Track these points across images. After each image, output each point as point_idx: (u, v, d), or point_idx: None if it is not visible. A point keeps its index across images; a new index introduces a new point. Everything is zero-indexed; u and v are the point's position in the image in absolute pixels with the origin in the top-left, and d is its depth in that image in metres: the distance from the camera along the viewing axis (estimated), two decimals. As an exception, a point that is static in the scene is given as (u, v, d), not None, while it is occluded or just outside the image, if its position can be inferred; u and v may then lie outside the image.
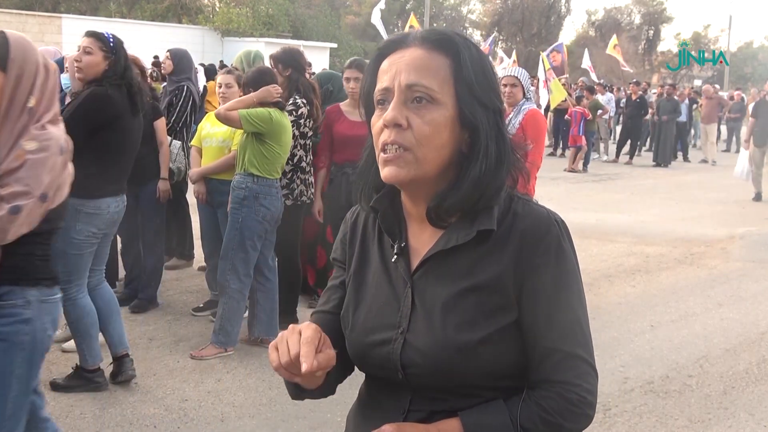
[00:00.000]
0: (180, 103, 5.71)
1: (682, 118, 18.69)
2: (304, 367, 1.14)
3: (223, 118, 4.42)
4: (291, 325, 1.22)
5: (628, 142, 17.88)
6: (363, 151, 1.39)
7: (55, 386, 3.96)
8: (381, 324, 1.32)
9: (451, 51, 1.27)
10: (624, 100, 20.24)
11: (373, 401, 1.39)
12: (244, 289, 4.55)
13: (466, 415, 1.24)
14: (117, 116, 3.79)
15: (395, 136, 1.24)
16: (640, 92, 17.95)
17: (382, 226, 1.36)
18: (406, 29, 20.06)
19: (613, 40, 25.34)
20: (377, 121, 1.28)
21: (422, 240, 1.33)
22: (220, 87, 5.00)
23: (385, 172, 1.26)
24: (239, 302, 4.55)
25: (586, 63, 22.48)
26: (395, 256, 1.34)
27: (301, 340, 1.18)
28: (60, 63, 5.95)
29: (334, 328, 1.40)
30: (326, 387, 1.37)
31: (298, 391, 1.36)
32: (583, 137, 15.44)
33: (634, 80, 19.97)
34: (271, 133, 4.41)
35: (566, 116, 15.90)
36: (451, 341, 1.24)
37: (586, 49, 24.97)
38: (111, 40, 3.87)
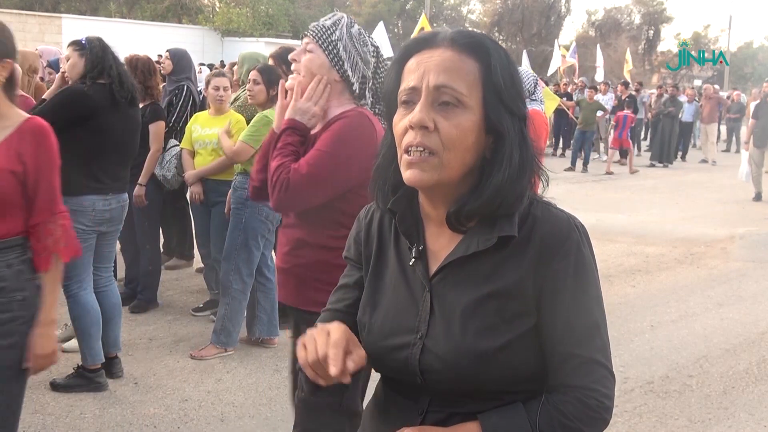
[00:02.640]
0: (180, 103, 5.71)
1: (687, 117, 18.68)
2: (332, 371, 1.14)
3: (238, 158, 4.50)
4: (320, 324, 1.22)
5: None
6: (380, 149, 1.37)
7: (55, 386, 3.97)
8: (399, 328, 1.32)
9: (482, 55, 1.25)
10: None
11: (390, 401, 1.39)
12: (247, 290, 4.55)
13: (486, 417, 1.25)
14: (90, 115, 3.74)
15: (421, 138, 1.22)
16: (630, 92, 17.94)
17: (400, 229, 1.34)
18: (416, 31, 20.20)
19: (627, 53, 25.69)
20: (400, 121, 1.26)
21: (441, 243, 1.32)
22: (217, 90, 4.99)
23: (408, 175, 1.25)
24: (241, 303, 4.56)
25: (599, 62, 22.57)
26: (413, 260, 1.32)
27: (330, 341, 1.17)
28: (56, 63, 5.96)
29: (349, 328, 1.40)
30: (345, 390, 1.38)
31: (315, 387, 1.34)
32: (630, 140, 15.99)
33: (623, 80, 19.93)
34: None
35: (613, 120, 16.06)
36: (471, 348, 1.24)
37: (598, 46, 25.05)
38: (84, 40, 3.94)
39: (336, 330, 1.19)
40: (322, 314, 1.47)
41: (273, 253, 4.81)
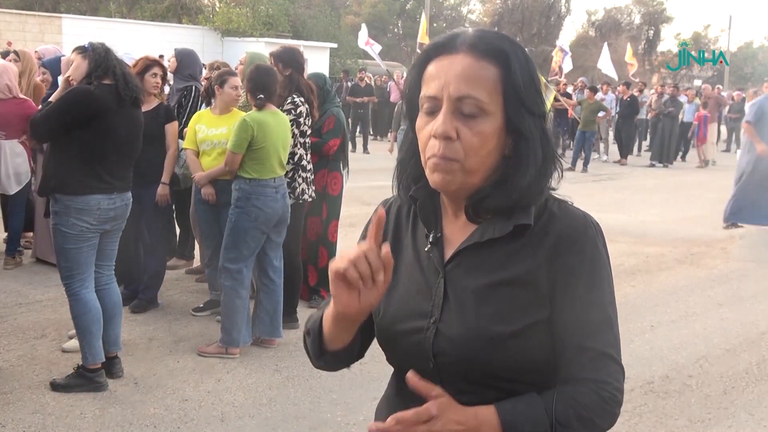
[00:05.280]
0: (189, 104, 5.73)
1: (688, 118, 18.69)
2: (384, 249, 1.19)
3: (231, 167, 4.51)
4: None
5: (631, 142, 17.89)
6: (402, 145, 1.41)
7: (55, 386, 3.96)
8: (412, 312, 1.34)
9: (501, 59, 1.27)
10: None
11: (401, 393, 1.40)
12: (239, 287, 4.52)
13: (502, 403, 1.25)
14: (96, 115, 3.78)
15: (444, 149, 1.25)
16: (632, 92, 17.94)
17: (420, 216, 1.38)
18: (422, 30, 20.20)
19: (629, 50, 25.55)
20: (424, 127, 1.29)
21: (456, 231, 1.35)
22: (236, 89, 4.99)
23: (433, 179, 1.28)
24: (234, 300, 4.53)
25: (605, 57, 22.50)
26: (429, 245, 1.35)
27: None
28: (49, 63, 5.96)
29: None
30: (349, 352, 1.39)
31: (321, 350, 1.38)
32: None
33: (624, 81, 19.94)
34: (257, 136, 4.41)
35: (694, 120, 16.30)
36: (484, 332, 1.26)
37: (606, 44, 24.93)
38: (87, 45, 4.02)
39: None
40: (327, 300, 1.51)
41: (280, 254, 4.81)
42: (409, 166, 1.38)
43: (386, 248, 1.20)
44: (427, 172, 1.29)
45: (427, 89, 1.28)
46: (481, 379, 1.29)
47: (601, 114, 16.04)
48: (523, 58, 1.29)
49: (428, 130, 1.27)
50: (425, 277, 1.35)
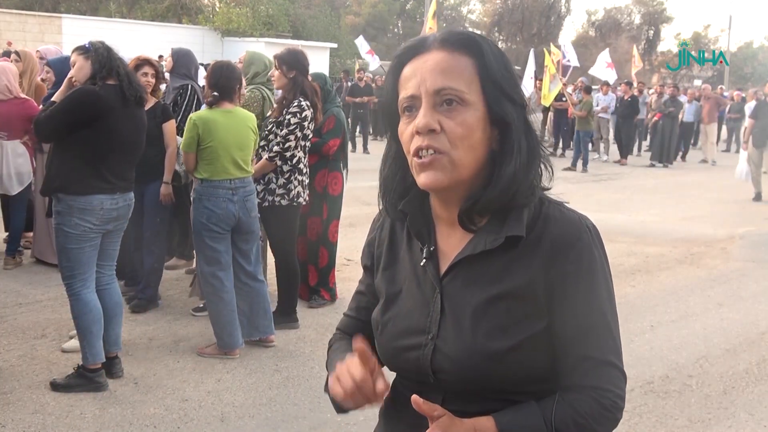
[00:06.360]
0: (185, 102, 5.73)
1: (689, 118, 18.69)
2: (380, 386, 1.24)
3: (187, 166, 4.54)
4: (347, 357, 1.29)
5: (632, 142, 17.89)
6: (384, 161, 1.38)
7: (55, 386, 3.96)
8: (410, 328, 1.33)
9: (474, 50, 1.26)
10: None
11: (404, 398, 1.39)
12: (218, 292, 4.48)
13: (501, 414, 1.25)
14: (101, 115, 3.79)
15: (429, 140, 1.23)
16: (633, 92, 17.97)
17: (412, 230, 1.35)
18: (426, 31, 20.29)
19: (634, 50, 25.65)
20: (405, 129, 1.27)
21: (451, 243, 1.33)
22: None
23: (422, 179, 1.25)
24: (216, 305, 4.50)
25: (604, 59, 22.53)
26: (424, 260, 1.33)
27: (360, 363, 1.25)
28: (54, 63, 5.96)
29: (367, 335, 1.43)
30: None
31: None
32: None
33: (626, 80, 19.94)
34: (203, 135, 4.38)
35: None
36: (482, 349, 1.25)
37: (607, 49, 24.97)
38: (88, 44, 4.03)
39: (362, 355, 1.26)
40: (342, 319, 1.55)
41: (254, 259, 4.77)
42: (395, 182, 1.35)
43: (381, 386, 1.24)
44: (415, 174, 1.27)
45: (405, 91, 1.26)
46: (482, 392, 1.28)
47: (595, 110, 16.20)
48: (495, 48, 1.29)
49: (410, 129, 1.25)
50: (422, 291, 1.33)
